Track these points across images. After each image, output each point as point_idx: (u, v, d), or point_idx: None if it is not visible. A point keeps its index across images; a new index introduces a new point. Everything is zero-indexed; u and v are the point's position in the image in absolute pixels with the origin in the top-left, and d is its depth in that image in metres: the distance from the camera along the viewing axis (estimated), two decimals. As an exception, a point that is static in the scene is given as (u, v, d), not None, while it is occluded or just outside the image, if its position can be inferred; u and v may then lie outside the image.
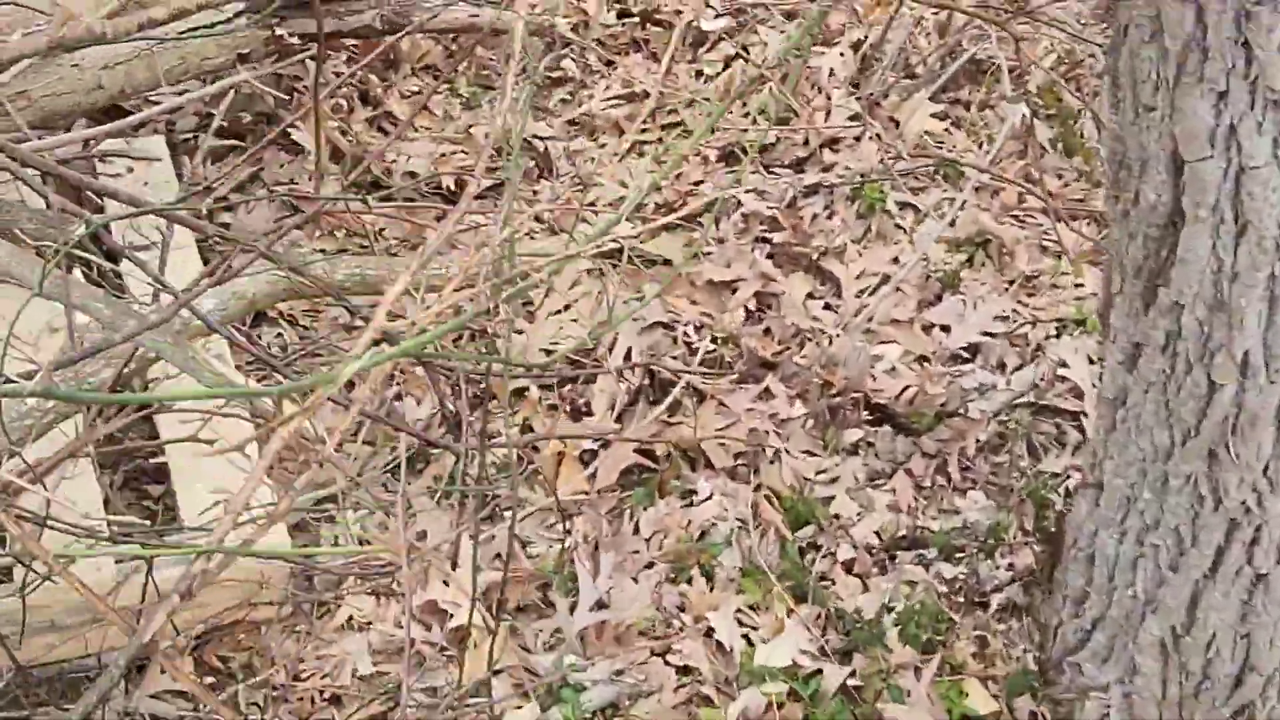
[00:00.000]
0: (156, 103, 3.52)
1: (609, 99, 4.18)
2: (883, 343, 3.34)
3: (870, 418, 3.18)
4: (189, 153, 3.76)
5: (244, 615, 2.66)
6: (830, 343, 3.28)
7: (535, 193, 3.85)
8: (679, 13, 4.48)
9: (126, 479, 2.96)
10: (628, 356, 3.18)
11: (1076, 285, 3.53)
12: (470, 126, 3.99)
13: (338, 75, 4.13)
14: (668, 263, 3.48)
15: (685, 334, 3.26)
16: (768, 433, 3.03)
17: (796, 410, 3.13)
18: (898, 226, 3.67)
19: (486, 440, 2.50)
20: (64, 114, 3.18)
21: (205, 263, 3.51)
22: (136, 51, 3.16)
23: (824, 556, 2.85)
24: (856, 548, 2.86)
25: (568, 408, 3.11)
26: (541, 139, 4.04)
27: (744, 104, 4.05)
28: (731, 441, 2.98)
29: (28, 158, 2.11)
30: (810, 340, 3.31)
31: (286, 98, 3.93)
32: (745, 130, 3.88)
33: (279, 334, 3.31)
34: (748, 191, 3.66)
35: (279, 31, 3.39)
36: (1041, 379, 3.29)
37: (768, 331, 3.33)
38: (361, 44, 4.00)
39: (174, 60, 3.13)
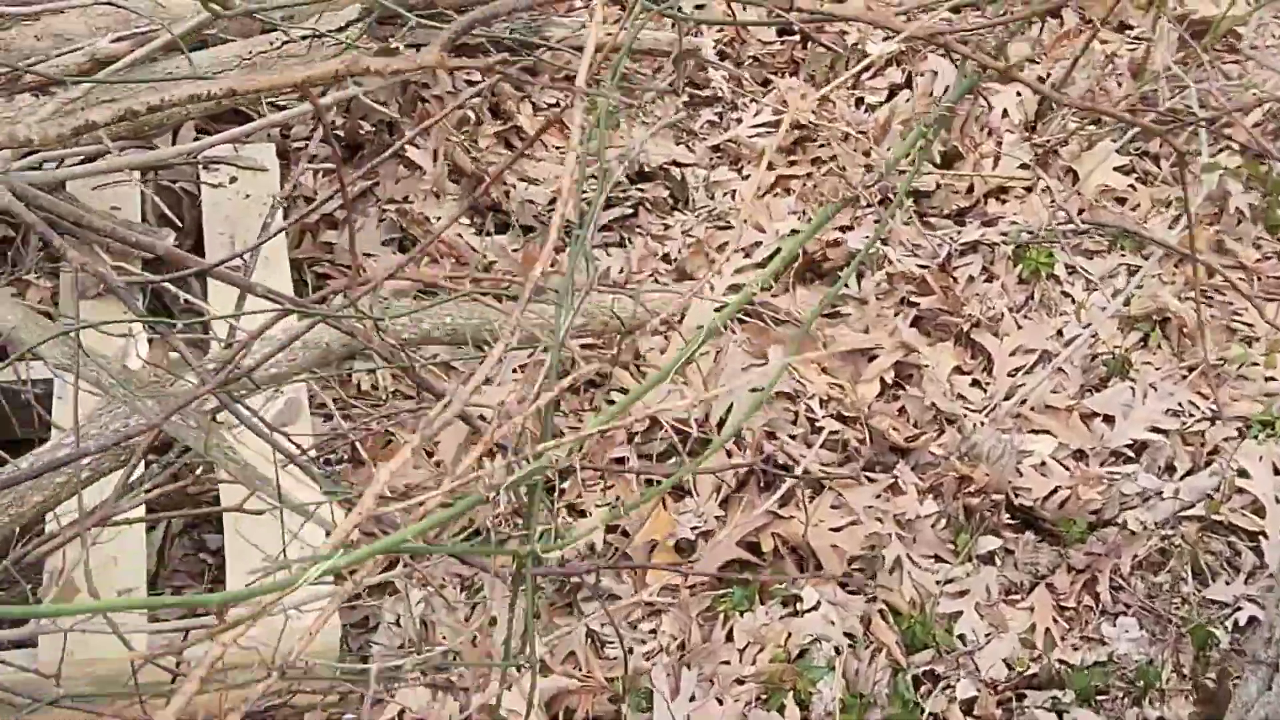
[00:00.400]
0: (282, 107, 3.32)
1: (758, 125, 3.83)
2: (1034, 432, 2.95)
3: (1011, 521, 2.80)
4: (298, 160, 3.54)
5: (284, 700, 2.41)
6: (974, 429, 2.90)
7: (666, 227, 3.53)
8: (844, 33, 4.10)
9: (186, 526, 2.74)
10: (729, 411, 2.84)
11: (1268, 379, 3.08)
12: (606, 148, 3.67)
13: (471, 84, 3.88)
14: (799, 322, 3.13)
15: (809, 408, 2.91)
16: (890, 536, 2.67)
17: (926, 508, 2.77)
18: (1064, 295, 3.26)
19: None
20: (159, 125, 2.97)
21: (302, 278, 3.29)
22: (238, 60, 2.92)
23: (941, 690, 2.49)
24: (980, 683, 2.49)
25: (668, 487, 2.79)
26: (680, 165, 3.72)
27: (901, 137, 3.68)
28: (847, 544, 2.63)
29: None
30: (951, 425, 2.94)
31: (410, 105, 3.68)
32: (903, 171, 3.50)
33: (371, 371, 3.06)
34: (896, 246, 3.29)
35: (394, 43, 3.12)
36: (1216, 489, 2.86)
37: (902, 411, 2.96)
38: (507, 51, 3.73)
39: (278, 70, 2.88)
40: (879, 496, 2.74)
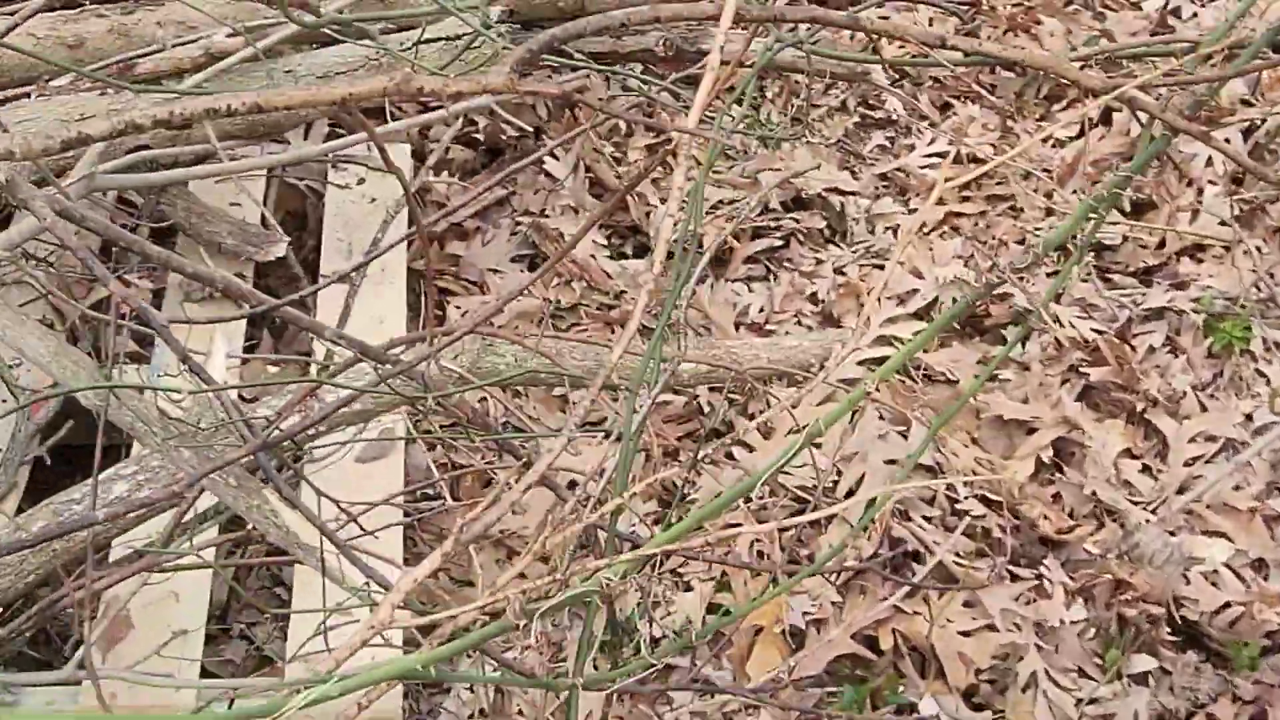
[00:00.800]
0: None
1: (931, 154, 3.51)
2: (1208, 534, 2.59)
3: (1172, 638, 2.46)
4: (438, 166, 3.35)
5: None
6: (1138, 526, 2.56)
7: (818, 262, 3.24)
8: (1037, 57, 3.75)
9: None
10: (871, 504, 2.55)
11: None
12: (760, 171, 3.41)
13: (626, 90, 3.65)
14: (951, 383, 2.82)
15: (950, 486, 2.60)
16: (1028, 647, 2.36)
17: (1074, 613, 2.45)
18: (1259, 375, 2.88)
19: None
20: (275, 125, 2.81)
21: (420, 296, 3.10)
22: (364, 61, 2.74)
23: (1069, 836, 2.18)
24: (1116, 831, 2.17)
25: (781, 557, 2.52)
26: (842, 193, 3.42)
27: (1089, 180, 3.33)
28: (976, 653, 2.33)
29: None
30: (1112, 518, 2.60)
31: (560, 110, 3.46)
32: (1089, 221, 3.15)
33: (482, 400, 2.86)
34: (1070, 304, 2.95)
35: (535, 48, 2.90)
36: None
37: (1057, 498, 2.63)
38: (663, 63, 3.49)
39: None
40: (1019, 598, 2.43)
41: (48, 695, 2.15)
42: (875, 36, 1.54)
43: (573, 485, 2.40)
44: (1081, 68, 1.67)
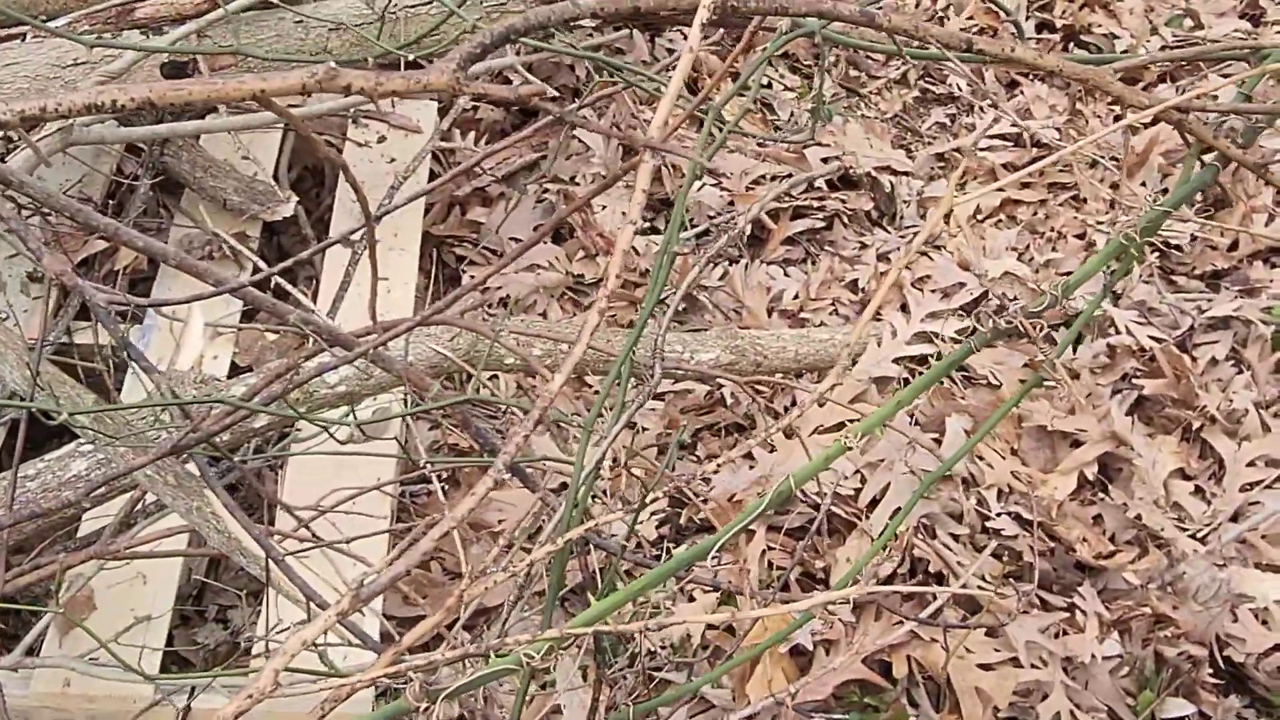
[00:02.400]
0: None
1: (992, 136, 3.28)
2: (1261, 568, 2.38)
3: (1214, 680, 2.26)
4: (464, 126, 3.18)
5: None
6: (1185, 556, 2.36)
7: (862, 246, 3.04)
8: (1113, 36, 3.51)
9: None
10: (894, 515, 2.37)
11: None
12: (806, 145, 3.20)
13: (670, 53, 3.46)
14: (993, 387, 2.62)
15: (982, 499, 2.41)
16: (1054, 684, 2.17)
17: (1107, 648, 2.25)
18: (1330, 396, 2.66)
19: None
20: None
21: (444, 268, 2.94)
22: (379, 13, 2.57)
23: None
24: None
25: (796, 571, 2.35)
26: (894, 173, 3.21)
27: (1159, 172, 3.10)
28: (996, 690, 2.15)
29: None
30: (1157, 545, 2.40)
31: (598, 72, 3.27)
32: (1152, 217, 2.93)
33: (493, 377, 2.69)
34: (1128, 308, 2.73)
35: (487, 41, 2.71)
36: None
37: (1098, 520, 2.43)
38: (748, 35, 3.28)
39: (422, 29, 2.51)
40: (1048, 629, 2.24)
41: (-2, 679, 2.03)
42: (890, 35, 1.34)
43: (564, 487, 2.24)
44: (1124, 78, 1.47)
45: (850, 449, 1.25)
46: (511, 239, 2.96)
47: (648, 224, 3.04)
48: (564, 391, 2.71)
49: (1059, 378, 1.32)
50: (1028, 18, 3.59)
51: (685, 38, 3.37)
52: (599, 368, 2.41)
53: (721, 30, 2.98)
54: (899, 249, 2.98)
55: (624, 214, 2.96)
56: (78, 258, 2.56)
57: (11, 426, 2.34)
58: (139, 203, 2.63)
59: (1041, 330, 1.30)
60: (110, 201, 2.69)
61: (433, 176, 3.06)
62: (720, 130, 1.77)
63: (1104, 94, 3.29)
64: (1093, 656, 2.24)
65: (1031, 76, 3.49)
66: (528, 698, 2.20)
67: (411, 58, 2.44)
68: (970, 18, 3.60)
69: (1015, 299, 2.57)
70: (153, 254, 1.58)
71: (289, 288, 2.42)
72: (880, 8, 1.35)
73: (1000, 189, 3.16)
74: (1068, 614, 2.28)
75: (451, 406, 1.88)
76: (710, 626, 2.25)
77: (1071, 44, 3.54)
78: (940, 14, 3.65)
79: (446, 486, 2.53)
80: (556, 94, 3.26)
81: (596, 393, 2.50)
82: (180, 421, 1.55)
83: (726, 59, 1.49)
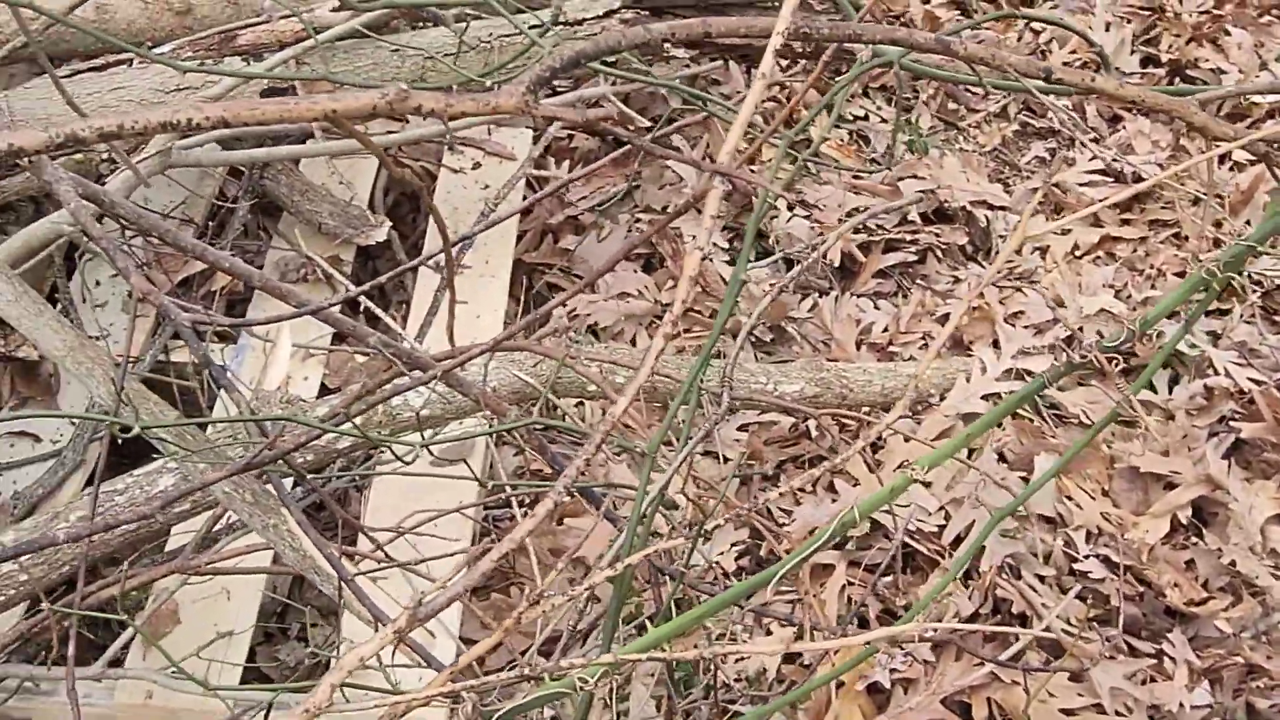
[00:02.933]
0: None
1: (1091, 172, 3.23)
2: (1364, 621, 2.30)
3: (1310, 735, 2.19)
4: (559, 154, 3.21)
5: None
6: (1279, 606, 2.29)
7: (956, 280, 3.00)
8: (1220, 71, 3.44)
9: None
10: (980, 555, 2.33)
11: None
12: (900, 179, 3.18)
13: (782, 84, 3.45)
14: (1084, 426, 2.57)
15: (1070, 540, 2.37)
16: (1138, 731, 2.12)
17: (1196, 698, 2.19)
18: None
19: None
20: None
21: (535, 295, 2.97)
22: (477, 43, 2.60)
23: None
24: None
25: (876, 606, 2.32)
26: (990, 207, 3.17)
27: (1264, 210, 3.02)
28: (1077, 734, 2.10)
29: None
30: (1252, 594, 2.33)
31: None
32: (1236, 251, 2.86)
33: (579, 404, 2.70)
34: (1228, 349, 2.67)
35: (556, 65, 2.73)
36: None
37: (1190, 566, 2.37)
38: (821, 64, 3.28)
39: (518, 58, 2.54)
40: (1134, 676, 2.18)
41: (84, 689, 2.07)
42: (968, 63, 1.33)
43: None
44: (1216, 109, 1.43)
45: (916, 480, 1.23)
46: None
47: (735, 254, 3.03)
48: (644, 420, 2.72)
49: (1136, 415, 1.28)
50: (1133, 52, 3.54)
51: (783, 70, 3.37)
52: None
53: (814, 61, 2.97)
54: (992, 284, 2.94)
55: (789, 210, 2.97)
56: (177, 278, 2.62)
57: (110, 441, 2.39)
58: (238, 224, 2.69)
59: (1118, 366, 1.27)
60: (210, 223, 2.75)
61: (528, 206, 3.09)
62: (796, 159, 1.76)
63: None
64: (1181, 705, 2.18)
65: (1135, 112, 3.43)
66: (601, 726, 2.20)
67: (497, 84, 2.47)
68: (1074, 51, 3.55)
69: (1100, 335, 2.52)
70: (237, 275, 1.61)
71: (378, 312, 2.46)
72: (962, 38, 1.33)
73: (1098, 224, 3.11)
74: (1155, 661, 2.23)
75: (529, 432, 1.89)
76: (787, 661, 2.23)
77: (1177, 79, 3.47)
78: (1043, 48, 3.61)
79: (529, 511, 2.54)
80: (649, 123, 3.27)
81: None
82: (259, 439, 1.57)
83: (805, 89, 1.49)
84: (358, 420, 2.09)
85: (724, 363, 1.93)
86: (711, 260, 2.97)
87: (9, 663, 1.99)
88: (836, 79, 2.38)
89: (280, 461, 1.55)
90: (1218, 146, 2.70)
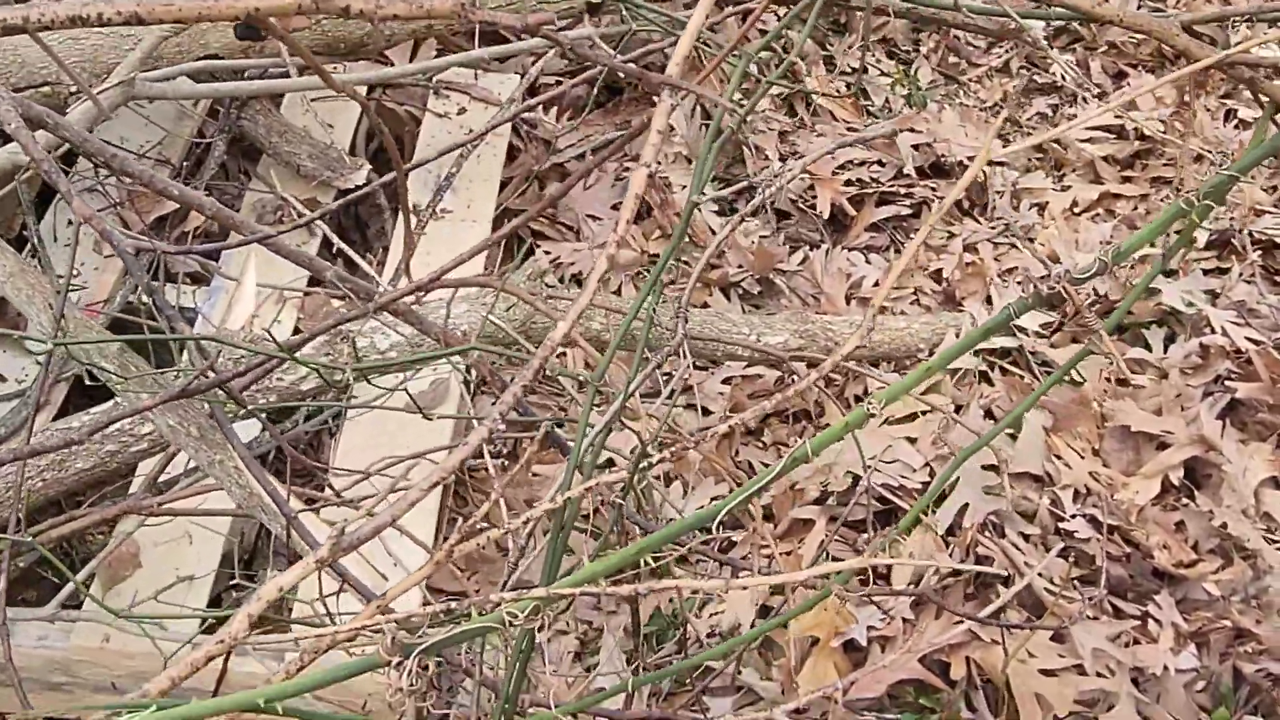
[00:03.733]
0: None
1: (1093, 128, 3.16)
2: (1357, 586, 2.24)
3: (1297, 702, 2.13)
4: (549, 102, 3.14)
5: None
6: (1271, 569, 2.23)
7: (950, 235, 2.93)
8: (1229, 27, 3.35)
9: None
10: (963, 513, 2.28)
11: None
12: (896, 133, 3.10)
13: (762, 33, 3.38)
14: (1075, 384, 2.51)
15: (1056, 499, 2.30)
16: (1121, 695, 2.06)
17: (1182, 661, 2.13)
18: None
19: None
20: (356, 45, 2.62)
21: (519, 242, 2.90)
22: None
23: None
24: None
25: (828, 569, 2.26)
26: (990, 163, 3.09)
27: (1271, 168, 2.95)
28: (1057, 696, 2.05)
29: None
30: (1243, 556, 2.27)
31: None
32: (1216, 182, 2.80)
33: (561, 354, 2.64)
34: (1226, 308, 2.60)
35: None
36: None
37: (1180, 527, 2.31)
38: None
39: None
40: (1118, 638, 2.12)
41: (40, 629, 2.03)
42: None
43: (610, 464, 2.18)
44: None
45: (872, 415, 1.17)
46: (588, 215, 2.91)
47: (726, 205, 2.97)
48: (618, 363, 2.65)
49: (1107, 351, 1.22)
50: (1139, 5, 3.45)
51: (778, 18, 3.30)
52: (656, 344, 2.35)
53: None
54: (987, 240, 2.88)
55: (780, 161, 2.90)
56: (150, 217, 2.56)
57: (74, 382, 2.35)
58: (213, 165, 2.63)
59: (1089, 301, 1.21)
60: (186, 164, 2.69)
61: (513, 152, 3.03)
62: (760, 81, 1.69)
63: (1211, 85, 3.14)
64: (1165, 668, 2.12)
65: (1140, 68, 3.36)
66: (570, 681, 2.15)
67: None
68: (1078, 6, 3.47)
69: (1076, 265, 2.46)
70: (188, 203, 1.55)
71: (352, 254, 2.40)
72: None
73: (1098, 180, 3.03)
74: (1140, 623, 2.17)
75: (492, 374, 1.83)
76: (762, 615, 2.18)
77: (1185, 32, 3.38)
78: None
79: (506, 463, 2.49)
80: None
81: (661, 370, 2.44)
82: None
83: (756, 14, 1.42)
84: (323, 361, 2.04)
85: (689, 304, 1.87)
86: (701, 211, 2.90)
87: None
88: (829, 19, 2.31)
89: (228, 396, 1.49)
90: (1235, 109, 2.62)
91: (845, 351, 1.15)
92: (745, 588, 1.04)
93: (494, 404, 2.59)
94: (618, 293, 2.79)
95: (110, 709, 0.94)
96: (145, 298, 2.19)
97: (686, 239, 2.88)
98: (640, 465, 1.18)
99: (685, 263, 2.84)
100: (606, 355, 1.26)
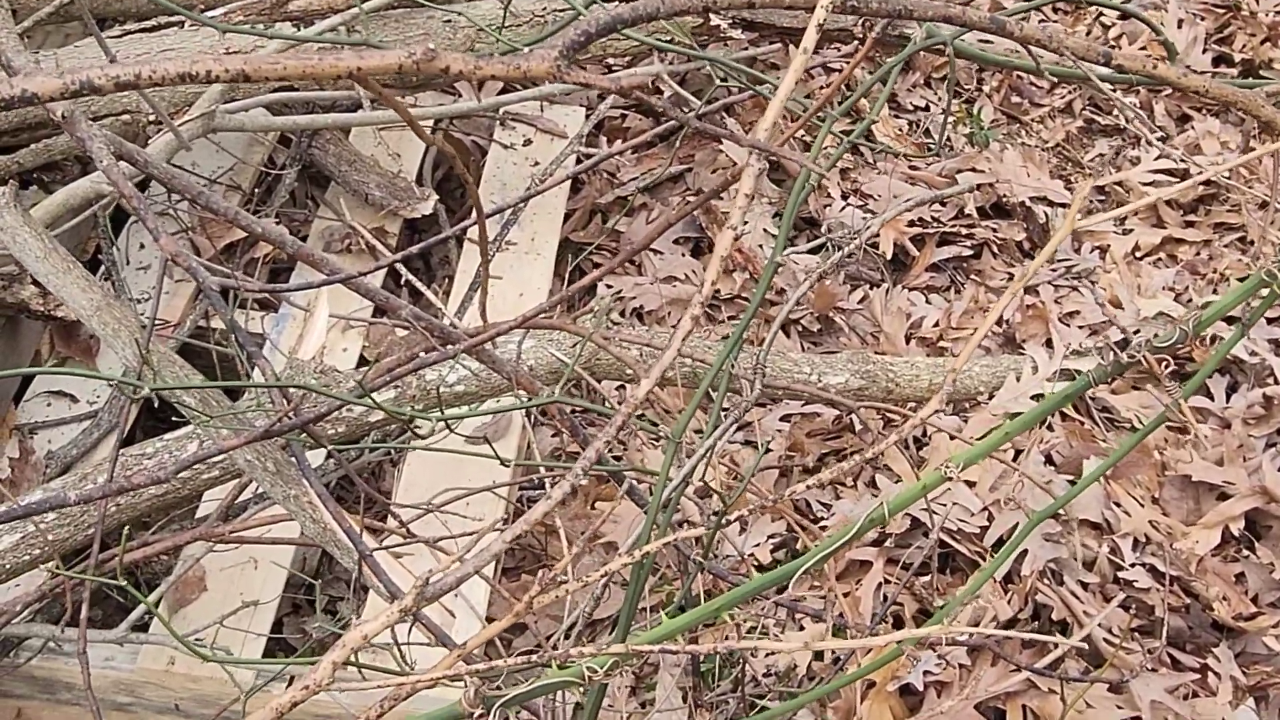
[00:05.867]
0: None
1: (1156, 170, 3.15)
2: None
3: (1357, 760, 2.12)
4: (611, 134, 3.16)
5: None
6: (1333, 624, 2.22)
7: (1011, 277, 2.94)
8: (1298, 75, 3.34)
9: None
10: (1021, 559, 2.28)
11: None
12: (959, 171, 3.11)
13: (827, 70, 3.40)
14: (1135, 431, 2.50)
15: (1115, 548, 2.30)
16: (1177, 747, 2.06)
17: (1241, 715, 2.13)
18: None
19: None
20: (430, 78, 2.65)
21: (581, 275, 2.93)
22: (532, 17, 2.56)
23: None
24: None
25: (913, 606, 2.27)
26: (1050, 204, 3.10)
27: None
28: (1114, 747, 2.04)
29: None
30: (1304, 611, 2.26)
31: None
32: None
33: (620, 386, 2.66)
34: (1289, 358, 2.59)
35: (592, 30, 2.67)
36: None
37: (1241, 579, 2.30)
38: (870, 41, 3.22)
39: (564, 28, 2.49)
40: (1176, 690, 2.12)
41: (107, 651, 2.06)
42: (1023, 44, 1.27)
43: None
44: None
45: (949, 479, 1.18)
46: (651, 250, 2.93)
47: (789, 239, 2.98)
48: (681, 407, 2.67)
49: (1185, 420, 1.23)
50: (1205, 50, 3.44)
51: (839, 51, 3.32)
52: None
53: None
54: (1048, 282, 2.88)
55: (843, 199, 2.92)
56: (220, 244, 2.60)
57: (145, 407, 2.39)
58: (284, 192, 2.67)
59: (1168, 368, 1.22)
60: (257, 190, 2.74)
61: (577, 185, 3.06)
62: (846, 142, 1.71)
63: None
64: (1224, 724, 2.11)
65: (1204, 112, 3.35)
66: (626, 716, 2.17)
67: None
68: (1143, 47, 3.47)
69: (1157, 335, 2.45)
70: (268, 239, 1.58)
71: (419, 285, 2.42)
72: (1017, 20, 1.28)
73: (1161, 225, 3.03)
74: (1199, 676, 2.16)
75: (560, 412, 1.85)
76: (817, 658, 2.18)
77: (1250, 78, 3.38)
78: (1112, 42, 3.53)
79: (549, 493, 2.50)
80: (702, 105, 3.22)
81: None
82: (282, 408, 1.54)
83: (853, 65, 1.44)
84: (391, 394, 2.07)
85: (760, 350, 1.88)
86: (763, 248, 2.92)
87: (34, 622, 1.98)
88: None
89: (304, 433, 1.52)
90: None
91: (925, 415, 1.16)
92: (823, 651, 1.05)
93: (553, 436, 2.61)
94: (675, 326, 2.80)
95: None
96: (224, 327, 2.23)
97: (747, 275, 2.90)
98: (719, 524, 1.19)
99: (744, 299, 2.85)
100: (688, 411, 1.27)
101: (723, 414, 1.34)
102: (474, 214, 2.81)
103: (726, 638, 2.28)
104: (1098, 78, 1.32)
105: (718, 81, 2.18)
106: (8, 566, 1.86)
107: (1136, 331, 2.55)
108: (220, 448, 1.31)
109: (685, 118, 1.30)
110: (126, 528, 2.13)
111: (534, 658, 1.03)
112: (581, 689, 1.04)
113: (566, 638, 2.06)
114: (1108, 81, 1.44)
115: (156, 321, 2.22)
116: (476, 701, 0.99)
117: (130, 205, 1.50)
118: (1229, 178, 3.08)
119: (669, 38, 2.71)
